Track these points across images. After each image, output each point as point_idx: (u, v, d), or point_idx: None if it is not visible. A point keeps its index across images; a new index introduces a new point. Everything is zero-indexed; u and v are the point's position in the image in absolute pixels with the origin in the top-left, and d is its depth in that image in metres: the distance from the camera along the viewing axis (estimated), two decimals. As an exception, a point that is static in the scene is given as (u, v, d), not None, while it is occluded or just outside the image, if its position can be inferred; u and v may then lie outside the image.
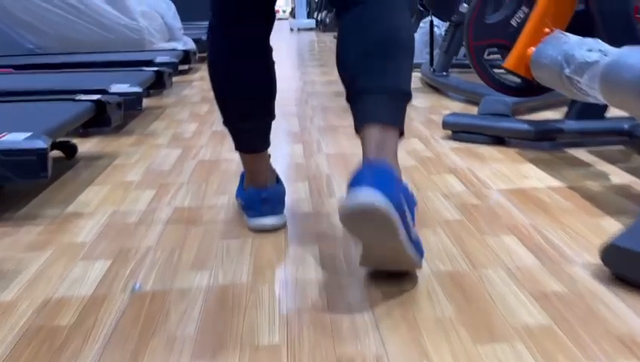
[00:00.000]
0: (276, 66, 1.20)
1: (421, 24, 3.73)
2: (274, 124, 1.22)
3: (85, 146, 1.98)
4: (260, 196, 1.17)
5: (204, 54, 4.53)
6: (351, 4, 1.01)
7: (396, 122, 0.95)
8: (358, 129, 0.96)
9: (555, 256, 1.03)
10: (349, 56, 1.00)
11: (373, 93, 0.96)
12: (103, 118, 1.80)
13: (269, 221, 1.17)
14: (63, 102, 1.78)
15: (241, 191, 1.26)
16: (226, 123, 1.20)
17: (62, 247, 1.14)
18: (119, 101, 1.86)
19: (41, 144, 1.23)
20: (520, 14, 1.77)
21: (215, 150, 1.88)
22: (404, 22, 1.02)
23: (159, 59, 2.94)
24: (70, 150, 1.83)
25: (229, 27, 1.13)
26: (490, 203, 1.31)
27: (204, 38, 4.63)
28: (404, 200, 0.86)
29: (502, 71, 1.82)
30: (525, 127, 1.75)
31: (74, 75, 2.61)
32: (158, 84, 2.62)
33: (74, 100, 1.78)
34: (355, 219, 0.82)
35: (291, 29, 9.10)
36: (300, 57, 4.96)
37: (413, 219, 0.91)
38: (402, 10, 1.03)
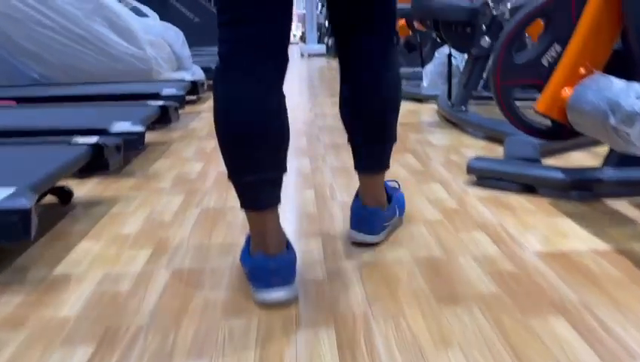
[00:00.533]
0: (286, 95, 1.08)
1: (436, 54, 3.61)
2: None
3: (83, 189, 1.85)
4: (269, 266, 1.03)
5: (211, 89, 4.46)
6: (362, 48, 1.21)
7: (383, 166, 1.30)
8: (356, 169, 1.30)
9: (616, 349, 0.87)
10: (347, 114, 1.26)
11: (367, 145, 1.27)
12: (100, 162, 1.67)
13: (278, 294, 1.03)
14: (57, 146, 1.66)
15: (246, 257, 1.11)
16: (230, 176, 1.05)
17: (42, 325, 0.99)
18: (118, 144, 1.74)
19: (24, 203, 1.09)
20: (552, 52, 1.63)
21: (221, 196, 1.74)
22: (397, 82, 1.25)
23: (165, 91, 2.84)
24: (65, 195, 1.71)
25: (239, 70, 1.02)
26: (528, 270, 1.16)
27: (213, 66, 4.58)
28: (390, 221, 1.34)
29: (520, 103, 1.68)
30: (559, 175, 1.60)
31: (75, 109, 2.50)
32: (163, 118, 2.51)
33: (69, 144, 1.66)
34: None
35: (302, 55, 9.04)
36: (310, 85, 4.86)
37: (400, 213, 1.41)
38: (395, 71, 1.24)
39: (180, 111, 3.20)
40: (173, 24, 7.09)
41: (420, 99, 3.54)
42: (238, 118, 1.01)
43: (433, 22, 2.61)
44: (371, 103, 1.22)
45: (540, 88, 1.66)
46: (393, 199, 1.37)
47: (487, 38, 2.43)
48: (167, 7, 7.50)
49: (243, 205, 1.06)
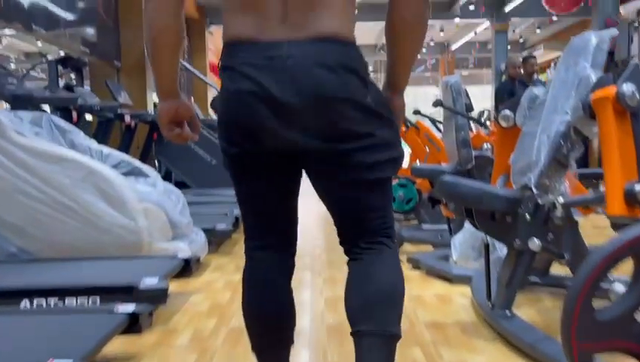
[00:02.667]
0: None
1: (466, 223, 3.16)
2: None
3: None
4: None
5: (217, 246, 4.08)
6: (358, 256, 1.31)
7: None
8: None
9: None
10: (352, 303, 1.30)
11: (368, 336, 1.25)
12: None
13: None
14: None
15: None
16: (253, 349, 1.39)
17: None
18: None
19: None
20: (652, 310, 1.14)
21: None
22: (399, 276, 1.31)
23: (146, 282, 2.38)
24: None
25: (252, 253, 1.37)
26: None
27: (218, 226, 4.20)
28: None
29: None
30: None
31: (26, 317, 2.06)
32: (133, 328, 2.04)
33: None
34: None
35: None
36: (323, 235, 4.41)
37: None
38: (397, 266, 1.32)
39: (172, 288, 2.79)
40: (192, 166, 6.98)
41: (449, 278, 3.03)
42: (248, 297, 1.38)
43: (465, 209, 2.18)
44: (378, 282, 1.29)
45: (637, 355, 1.14)
46: None
47: (536, 241, 1.97)
48: (186, 150, 7.40)
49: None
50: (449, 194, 2.22)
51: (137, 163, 3.68)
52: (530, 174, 2.11)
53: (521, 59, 6.20)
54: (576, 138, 2.04)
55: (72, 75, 6.64)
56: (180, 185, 7.01)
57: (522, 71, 6.07)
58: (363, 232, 1.29)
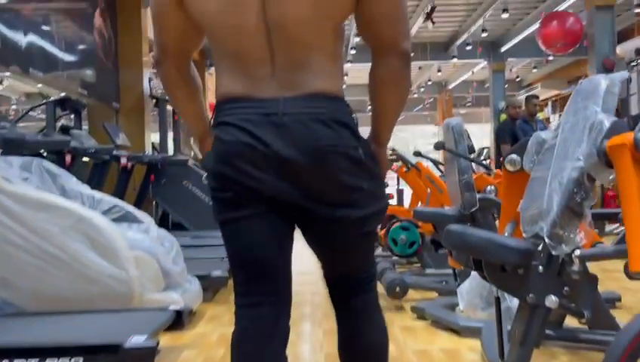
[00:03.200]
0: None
1: (473, 272, 3.02)
2: None
3: None
4: None
5: (213, 294, 3.92)
6: (346, 312, 1.38)
7: None
8: None
9: None
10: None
11: None
12: None
13: None
14: None
15: None
16: None
17: None
18: None
19: None
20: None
21: None
22: (384, 333, 1.39)
23: (133, 341, 2.22)
24: None
25: (243, 312, 1.31)
26: None
27: (214, 273, 4.04)
28: None
29: None
30: None
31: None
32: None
33: None
34: None
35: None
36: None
37: None
38: (382, 321, 1.40)
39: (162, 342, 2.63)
40: (189, 208, 6.84)
41: (457, 330, 2.87)
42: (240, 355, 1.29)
43: (473, 260, 2.05)
44: (364, 340, 1.37)
45: None
46: None
47: (553, 298, 1.83)
48: (183, 191, 7.29)
49: None
50: (456, 245, 2.09)
51: (130, 208, 3.56)
52: (542, 223, 1.99)
53: (522, 100, 6.17)
54: (590, 185, 1.92)
55: (72, 116, 6.61)
56: (178, 226, 6.89)
57: (525, 110, 6.02)
58: (349, 286, 1.36)
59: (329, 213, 1.24)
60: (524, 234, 2.12)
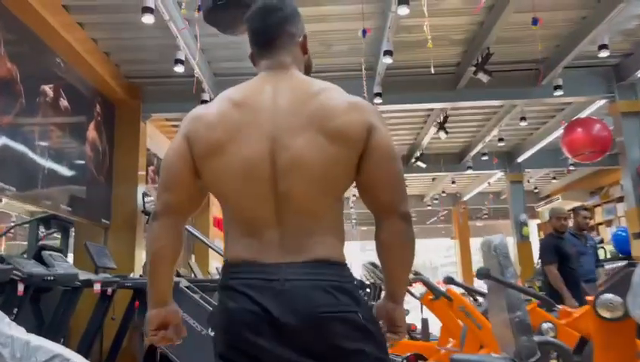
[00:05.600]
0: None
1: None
2: None
3: None
4: None
5: None
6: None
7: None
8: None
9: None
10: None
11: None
12: None
13: None
14: None
15: None
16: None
17: None
18: None
19: None
20: None
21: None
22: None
23: None
24: None
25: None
26: None
27: None
28: None
29: None
30: None
31: None
32: None
33: None
34: None
35: None
36: None
37: None
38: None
39: None
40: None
41: None
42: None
43: None
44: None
45: None
46: None
47: None
48: (179, 291, 6.43)
49: None
50: None
51: (78, 358, 2.71)
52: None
53: (569, 210, 5.45)
54: None
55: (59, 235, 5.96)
56: (165, 359, 5.94)
57: (573, 223, 5.23)
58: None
59: None
60: None
